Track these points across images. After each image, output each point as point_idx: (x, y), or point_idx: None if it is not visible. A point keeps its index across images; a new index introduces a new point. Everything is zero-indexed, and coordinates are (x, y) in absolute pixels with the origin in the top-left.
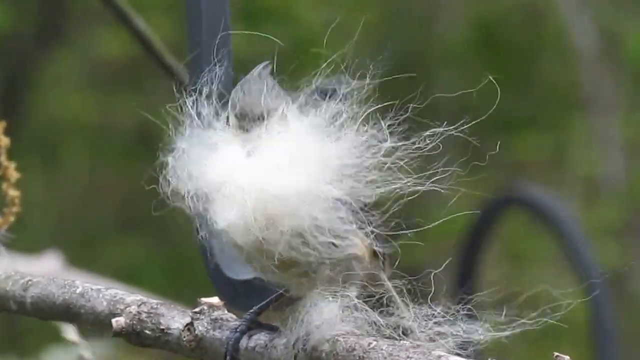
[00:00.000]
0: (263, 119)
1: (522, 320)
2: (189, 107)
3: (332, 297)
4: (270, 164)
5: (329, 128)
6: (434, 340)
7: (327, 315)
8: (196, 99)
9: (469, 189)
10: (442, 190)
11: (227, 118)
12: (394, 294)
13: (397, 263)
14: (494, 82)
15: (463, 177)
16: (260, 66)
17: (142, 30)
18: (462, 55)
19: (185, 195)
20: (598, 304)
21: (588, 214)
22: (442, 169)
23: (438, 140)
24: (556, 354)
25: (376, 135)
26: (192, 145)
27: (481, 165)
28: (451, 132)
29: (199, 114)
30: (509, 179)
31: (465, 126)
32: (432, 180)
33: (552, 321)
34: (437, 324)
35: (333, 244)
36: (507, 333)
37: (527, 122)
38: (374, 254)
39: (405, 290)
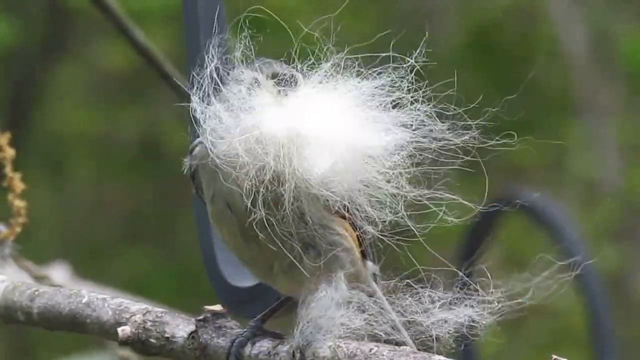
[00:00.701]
0: (297, 81)
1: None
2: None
3: (328, 290)
4: (339, 119)
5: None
6: (435, 325)
7: (327, 307)
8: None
9: (467, 194)
10: (441, 195)
11: (252, 85)
12: (380, 293)
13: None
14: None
15: (461, 182)
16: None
17: (142, 41)
18: (456, 61)
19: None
20: (595, 307)
21: (585, 216)
22: (440, 173)
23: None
24: (554, 356)
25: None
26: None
27: (479, 170)
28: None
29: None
30: (506, 183)
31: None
32: (430, 186)
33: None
34: (439, 309)
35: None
36: (504, 312)
37: (523, 126)
38: (362, 254)
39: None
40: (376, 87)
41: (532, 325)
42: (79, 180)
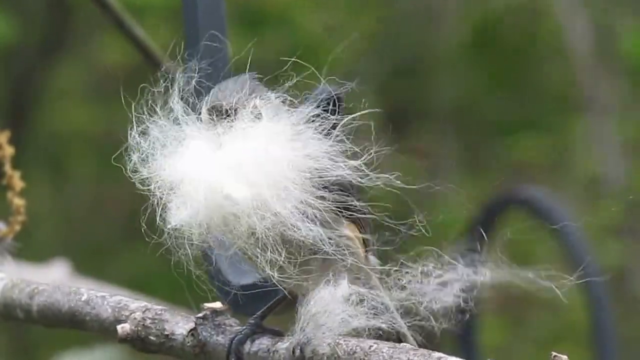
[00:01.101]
0: (232, 113)
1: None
2: (160, 102)
3: (329, 287)
4: (229, 162)
5: (301, 130)
6: (440, 291)
7: (329, 302)
8: (170, 94)
9: (469, 190)
10: (440, 189)
11: (200, 113)
12: (381, 289)
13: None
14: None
15: (463, 179)
16: (247, 74)
17: (140, 37)
18: (459, 58)
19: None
20: (597, 305)
21: (588, 214)
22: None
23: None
24: (554, 353)
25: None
26: (163, 137)
27: (481, 167)
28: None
29: (169, 109)
30: (509, 180)
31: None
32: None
33: (552, 331)
34: (438, 277)
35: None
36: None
37: (526, 124)
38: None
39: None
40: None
41: (533, 321)
42: (79, 178)
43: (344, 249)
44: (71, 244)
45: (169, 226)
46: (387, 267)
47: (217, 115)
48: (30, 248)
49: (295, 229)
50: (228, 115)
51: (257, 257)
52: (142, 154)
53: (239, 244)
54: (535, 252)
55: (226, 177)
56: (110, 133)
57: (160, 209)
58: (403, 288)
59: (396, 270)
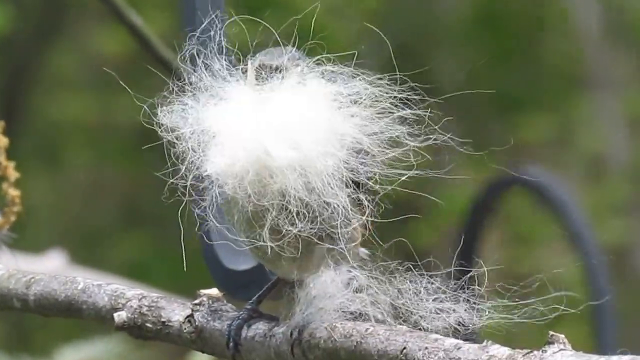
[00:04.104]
0: (280, 71)
1: (522, 301)
2: (199, 62)
3: (328, 272)
4: (273, 120)
5: (343, 100)
6: (434, 315)
7: (327, 288)
8: (207, 54)
9: (472, 170)
10: (445, 174)
11: (243, 72)
12: (362, 278)
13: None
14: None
15: (466, 157)
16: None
17: (137, 25)
18: (464, 35)
19: (185, 137)
20: (597, 284)
21: (592, 192)
22: (443, 150)
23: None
24: (551, 333)
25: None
26: (204, 94)
27: (485, 146)
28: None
29: (209, 69)
30: (512, 159)
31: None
32: (435, 163)
33: (551, 311)
34: (438, 300)
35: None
36: (506, 318)
37: (530, 102)
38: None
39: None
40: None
41: (533, 300)
42: (76, 167)
43: (348, 237)
44: (67, 234)
45: (204, 173)
46: (392, 264)
47: (265, 73)
48: (26, 239)
49: (332, 192)
50: (276, 74)
51: (270, 223)
52: (179, 109)
53: (261, 203)
54: (536, 231)
55: (269, 133)
56: (103, 120)
57: (193, 161)
58: (400, 292)
59: (401, 275)
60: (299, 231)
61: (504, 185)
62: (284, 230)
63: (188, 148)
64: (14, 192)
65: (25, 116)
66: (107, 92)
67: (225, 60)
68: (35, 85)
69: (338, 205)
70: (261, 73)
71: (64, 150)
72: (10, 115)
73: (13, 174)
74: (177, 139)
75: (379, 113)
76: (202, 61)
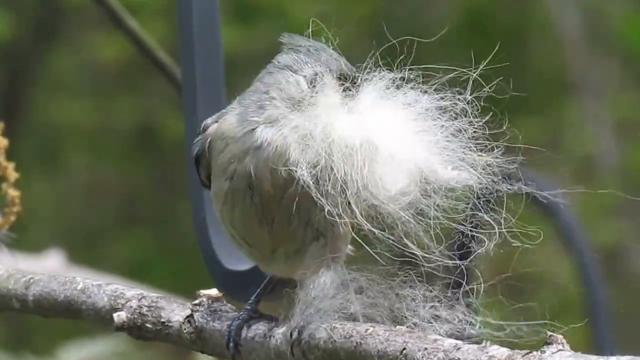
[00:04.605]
0: (358, 83)
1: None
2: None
3: (327, 273)
4: (372, 123)
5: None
6: (430, 322)
7: (326, 289)
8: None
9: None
10: None
11: (314, 78)
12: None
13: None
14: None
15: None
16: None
17: (135, 30)
18: (451, 41)
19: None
20: (591, 284)
21: (582, 194)
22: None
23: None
24: (550, 333)
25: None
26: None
27: (474, 149)
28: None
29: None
30: (504, 161)
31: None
32: None
33: (548, 324)
34: (434, 307)
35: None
36: (501, 331)
37: (519, 106)
38: None
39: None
40: (434, 105)
41: (529, 300)
42: (74, 169)
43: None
44: (66, 234)
45: (388, 192)
46: (392, 269)
47: (347, 83)
48: (25, 239)
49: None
50: (356, 85)
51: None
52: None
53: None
54: (530, 233)
55: (427, 151)
56: (101, 123)
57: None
58: (398, 297)
59: (400, 279)
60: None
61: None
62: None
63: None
64: (13, 193)
65: (25, 118)
66: (105, 95)
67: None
68: (35, 88)
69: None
70: (343, 82)
71: (63, 151)
72: (11, 117)
73: (13, 175)
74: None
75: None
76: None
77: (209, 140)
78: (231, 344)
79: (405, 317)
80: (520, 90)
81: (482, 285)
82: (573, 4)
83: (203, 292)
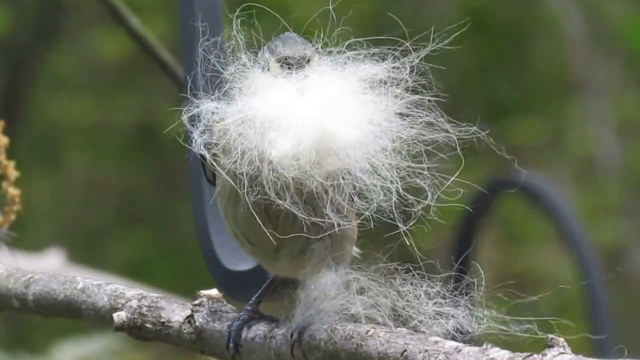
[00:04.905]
0: (307, 62)
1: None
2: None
3: (329, 273)
4: (325, 103)
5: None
6: (435, 319)
7: (328, 290)
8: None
9: (465, 174)
10: (436, 178)
11: (265, 64)
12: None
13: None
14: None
15: (458, 162)
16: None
17: (136, 27)
18: (454, 40)
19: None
20: (592, 285)
21: (586, 195)
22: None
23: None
24: (551, 336)
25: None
26: (236, 87)
27: (478, 150)
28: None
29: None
30: (506, 164)
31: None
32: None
33: (548, 321)
34: (437, 304)
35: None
36: (504, 327)
37: (521, 107)
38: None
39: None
40: (376, 73)
41: (530, 301)
42: (75, 168)
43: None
44: (67, 233)
45: (271, 156)
46: (392, 266)
47: (290, 65)
48: (25, 238)
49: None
50: (301, 66)
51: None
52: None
53: (309, 184)
54: (531, 234)
55: (325, 115)
56: (102, 121)
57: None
58: (400, 295)
59: (401, 277)
60: (357, 209)
61: (497, 187)
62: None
63: (236, 137)
64: (13, 191)
65: (25, 116)
66: (105, 94)
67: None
68: (35, 86)
69: (391, 187)
70: (286, 65)
71: (64, 150)
72: (11, 115)
73: (13, 173)
74: (211, 132)
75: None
76: (227, 56)
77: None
78: (231, 345)
79: (410, 315)
80: (522, 90)
81: (484, 279)
82: (575, 4)
83: (203, 292)
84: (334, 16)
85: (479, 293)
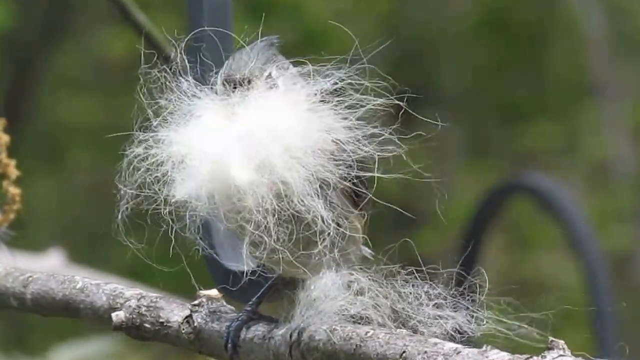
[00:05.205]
0: (246, 84)
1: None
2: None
3: (329, 273)
4: (240, 133)
5: (318, 102)
6: (435, 319)
7: (328, 290)
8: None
9: (476, 176)
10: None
11: (215, 85)
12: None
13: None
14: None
15: (470, 164)
16: (265, 39)
17: (143, 24)
18: (469, 41)
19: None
20: (598, 290)
21: (598, 199)
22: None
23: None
24: (551, 338)
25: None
26: (174, 111)
27: (489, 152)
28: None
29: (181, 86)
30: (518, 166)
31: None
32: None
33: (551, 318)
34: (437, 306)
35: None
36: (504, 328)
37: (536, 110)
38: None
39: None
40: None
41: (534, 305)
42: (79, 168)
43: (347, 237)
44: (68, 233)
45: (173, 199)
46: (393, 268)
47: (231, 87)
48: (26, 237)
49: (302, 202)
50: (242, 86)
51: (258, 234)
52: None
53: (241, 218)
54: (539, 238)
55: (233, 152)
56: (108, 121)
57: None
58: (400, 296)
59: (402, 279)
60: (281, 242)
61: (506, 191)
62: (264, 242)
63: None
64: (14, 190)
65: (30, 116)
66: (112, 93)
67: (192, 77)
68: (40, 85)
69: (316, 213)
70: (228, 86)
71: (68, 150)
72: (15, 114)
73: (13, 172)
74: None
75: (350, 108)
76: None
77: None
78: (229, 345)
79: (410, 316)
80: (538, 93)
81: (487, 282)
82: (597, 3)
83: (203, 292)
84: (348, 15)
85: (480, 296)
